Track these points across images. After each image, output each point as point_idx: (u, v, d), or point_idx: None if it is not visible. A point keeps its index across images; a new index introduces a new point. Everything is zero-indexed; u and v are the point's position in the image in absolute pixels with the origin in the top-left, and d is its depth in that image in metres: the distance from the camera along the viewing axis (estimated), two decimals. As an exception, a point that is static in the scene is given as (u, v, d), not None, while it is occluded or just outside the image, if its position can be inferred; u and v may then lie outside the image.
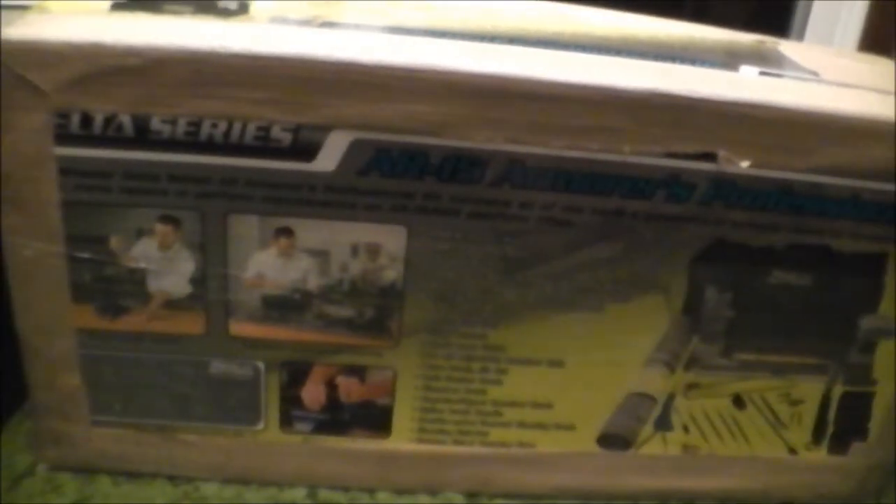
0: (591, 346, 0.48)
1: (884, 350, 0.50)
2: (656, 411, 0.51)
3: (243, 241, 0.44)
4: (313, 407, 0.49)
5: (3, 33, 0.38)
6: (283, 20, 0.45)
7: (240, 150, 0.41)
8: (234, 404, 0.48)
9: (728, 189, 0.44)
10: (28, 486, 0.49)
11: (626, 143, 0.42)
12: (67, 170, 0.42)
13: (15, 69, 0.39)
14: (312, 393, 0.48)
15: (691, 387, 0.50)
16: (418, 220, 0.44)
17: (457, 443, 0.51)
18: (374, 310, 0.46)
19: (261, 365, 0.47)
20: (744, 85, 0.44)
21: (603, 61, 0.45)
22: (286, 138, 0.41)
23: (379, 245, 0.44)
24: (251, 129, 0.41)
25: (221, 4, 0.45)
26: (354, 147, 0.42)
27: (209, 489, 0.50)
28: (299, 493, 0.51)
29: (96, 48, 0.39)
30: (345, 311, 0.46)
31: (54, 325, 0.45)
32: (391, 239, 0.44)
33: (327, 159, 0.42)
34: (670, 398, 0.50)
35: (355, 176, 0.42)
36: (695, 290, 0.47)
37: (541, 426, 0.51)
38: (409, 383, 0.49)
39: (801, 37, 1.15)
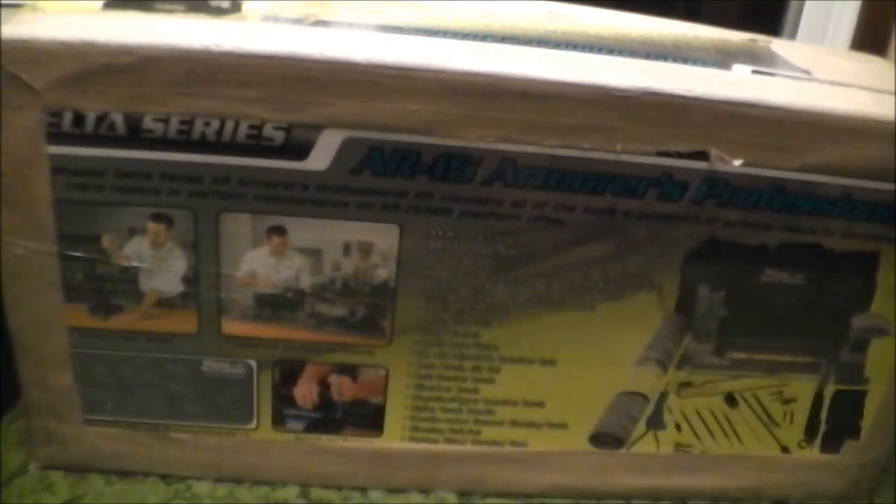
0: (583, 344, 0.48)
1: (876, 349, 0.50)
2: (649, 410, 0.51)
3: (236, 240, 0.44)
4: (305, 406, 0.49)
5: (-3, 32, 0.38)
6: (276, 19, 0.45)
7: (232, 148, 0.41)
8: (227, 403, 0.48)
9: (720, 188, 0.44)
10: (20, 484, 0.49)
11: (618, 141, 0.42)
12: (59, 168, 0.41)
13: (7, 68, 0.39)
14: (305, 392, 0.48)
15: (684, 385, 0.50)
16: (410, 219, 0.44)
17: (449, 441, 0.51)
18: (367, 308, 0.46)
19: (253, 364, 0.47)
20: (736, 84, 0.44)
21: (595, 60, 0.45)
22: (278, 137, 0.41)
23: (371, 244, 0.44)
24: (243, 128, 0.41)
25: (214, 3, 0.45)
26: (347, 146, 0.42)
27: (201, 488, 0.50)
28: (291, 491, 0.51)
29: (88, 47, 0.39)
30: (337, 310, 0.46)
31: (46, 324, 0.45)
32: (383, 238, 0.44)
33: (320, 158, 0.42)
34: (663, 397, 0.50)
35: (347, 174, 0.42)
36: (687, 288, 0.47)
37: (533, 425, 0.51)
38: (402, 382, 0.49)
39: (793, 35, 1.15)
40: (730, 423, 0.52)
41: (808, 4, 1.14)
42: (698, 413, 0.51)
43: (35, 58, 0.39)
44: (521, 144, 0.42)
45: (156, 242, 0.44)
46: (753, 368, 0.50)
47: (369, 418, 0.50)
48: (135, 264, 0.44)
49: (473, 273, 0.46)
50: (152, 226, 0.43)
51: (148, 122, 0.41)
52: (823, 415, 0.52)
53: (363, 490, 0.52)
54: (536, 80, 0.41)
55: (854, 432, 0.53)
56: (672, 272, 0.47)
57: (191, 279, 0.45)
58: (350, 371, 0.48)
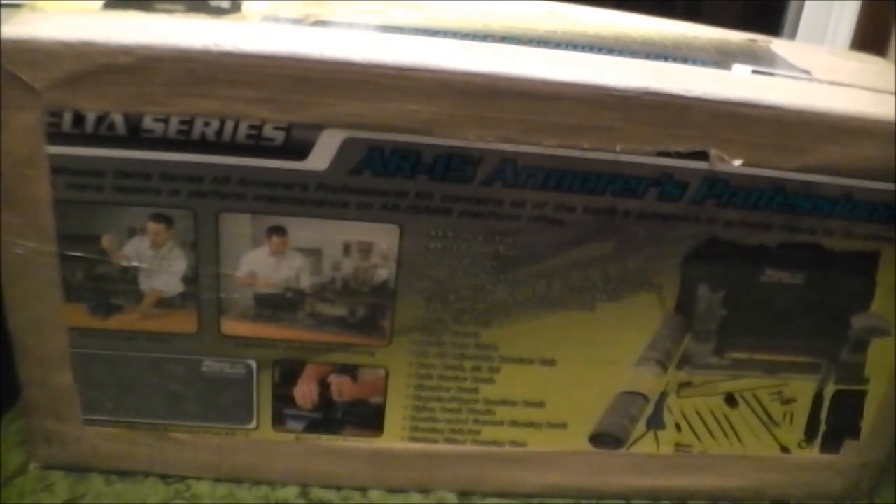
0: (583, 344, 0.48)
1: (876, 349, 0.50)
2: (648, 410, 0.51)
3: (236, 240, 0.44)
4: (305, 406, 0.49)
5: (-3, 32, 0.38)
6: (276, 19, 0.45)
7: (232, 148, 0.41)
8: (227, 403, 0.48)
9: (720, 188, 0.44)
10: (20, 484, 0.49)
11: (618, 141, 0.42)
12: (59, 168, 0.41)
13: (7, 68, 0.39)
14: (305, 392, 0.48)
15: (684, 385, 0.50)
16: (410, 219, 0.44)
17: (449, 441, 0.51)
18: (367, 308, 0.46)
19: (253, 364, 0.47)
20: (736, 84, 0.44)
21: (595, 60, 0.45)
22: (278, 137, 0.41)
23: (371, 244, 0.44)
24: (243, 128, 0.41)
25: (214, 3, 0.45)
26: (347, 146, 0.42)
27: (201, 488, 0.50)
28: (291, 491, 0.51)
29: (88, 47, 0.39)
30: (337, 310, 0.46)
31: (46, 324, 0.45)
32: (383, 237, 0.44)
33: (319, 158, 0.42)
34: (662, 397, 0.50)
35: (347, 174, 0.42)
36: (687, 288, 0.47)
37: (533, 425, 0.51)
38: (402, 382, 0.49)
39: (793, 35, 1.15)
40: (730, 423, 0.52)
41: (808, 4, 1.14)
42: (698, 413, 0.51)
43: (35, 58, 0.39)
44: (521, 144, 0.42)
45: (156, 242, 0.44)
46: (753, 368, 0.50)
47: (369, 418, 0.50)
48: (135, 264, 0.44)
49: (473, 273, 0.46)
50: (152, 226, 0.43)
51: (148, 122, 0.40)
52: (823, 415, 0.52)
53: (363, 490, 0.52)
54: (536, 80, 0.41)
55: (854, 432, 0.53)
56: (672, 272, 0.47)
57: (191, 279, 0.45)
58: (350, 371, 0.48)
